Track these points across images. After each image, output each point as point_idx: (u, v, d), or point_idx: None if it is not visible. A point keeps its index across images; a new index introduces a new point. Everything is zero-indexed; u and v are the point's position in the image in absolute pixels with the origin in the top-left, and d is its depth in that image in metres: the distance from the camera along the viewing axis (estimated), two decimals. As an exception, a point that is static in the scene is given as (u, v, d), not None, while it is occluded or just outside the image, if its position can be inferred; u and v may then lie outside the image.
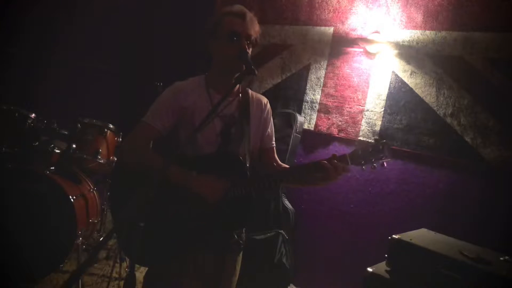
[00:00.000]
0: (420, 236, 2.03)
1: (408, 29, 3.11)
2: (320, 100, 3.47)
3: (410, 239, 1.87)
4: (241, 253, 1.68)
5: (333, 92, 3.41)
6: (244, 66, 1.48)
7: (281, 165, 1.71)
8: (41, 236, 2.59)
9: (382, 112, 3.16)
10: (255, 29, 1.59)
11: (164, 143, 1.63)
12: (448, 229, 2.29)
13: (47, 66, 4.03)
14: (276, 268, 2.89)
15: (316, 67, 3.53)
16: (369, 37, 3.23)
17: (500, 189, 2.63)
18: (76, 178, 3.02)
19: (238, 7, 1.60)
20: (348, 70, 3.36)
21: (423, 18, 3.05)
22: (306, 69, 3.57)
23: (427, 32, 3.03)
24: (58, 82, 3.99)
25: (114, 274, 2.83)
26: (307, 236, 3.29)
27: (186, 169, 1.50)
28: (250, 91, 1.73)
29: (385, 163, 1.48)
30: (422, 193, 2.92)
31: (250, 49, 1.58)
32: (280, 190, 3.18)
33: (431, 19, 3.02)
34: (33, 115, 2.92)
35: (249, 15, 1.58)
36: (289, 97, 3.64)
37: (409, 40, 3.09)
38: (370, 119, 3.21)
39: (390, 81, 3.15)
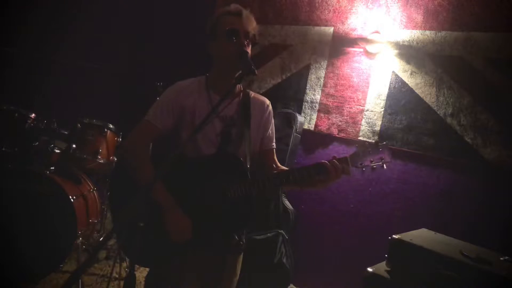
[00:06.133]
0: (420, 236, 2.03)
1: (408, 29, 3.11)
2: (320, 100, 3.47)
3: (410, 239, 1.87)
4: (242, 253, 1.68)
5: (333, 92, 3.41)
6: (244, 65, 1.47)
7: (280, 167, 1.71)
8: (41, 236, 2.59)
9: (382, 112, 3.16)
10: (252, 25, 1.59)
11: (164, 144, 1.63)
12: (448, 229, 2.29)
13: (47, 66, 4.02)
14: (276, 268, 2.89)
15: (316, 67, 3.53)
16: (369, 37, 3.23)
17: (500, 189, 2.63)
18: (76, 178, 3.01)
19: (233, 6, 1.61)
20: (348, 70, 3.36)
21: (423, 18, 3.05)
22: (306, 69, 3.57)
23: (427, 32, 3.03)
24: (58, 82, 3.99)
25: (114, 274, 2.83)
26: (307, 236, 3.29)
27: (184, 174, 1.51)
28: (251, 92, 1.73)
29: (385, 166, 1.48)
30: (422, 193, 2.92)
31: (250, 47, 1.58)
32: (280, 191, 3.18)
33: (431, 19, 3.02)
34: (33, 115, 2.91)
35: (245, 12, 1.59)
36: (289, 97, 3.64)
37: (409, 40, 3.10)
38: (370, 119, 3.21)
39: (390, 81, 3.15)
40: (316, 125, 3.47)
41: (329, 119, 3.41)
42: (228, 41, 1.54)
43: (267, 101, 1.75)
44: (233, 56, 1.52)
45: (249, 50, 1.56)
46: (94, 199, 3.06)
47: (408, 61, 3.09)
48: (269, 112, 1.73)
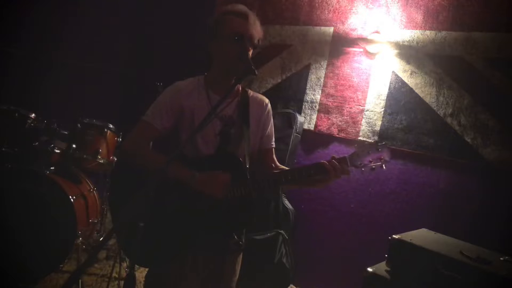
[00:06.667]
0: (420, 236, 2.03)
1: (408, 29, 3.11)
2: (320, 100, 3.47)
3: (410, 239, 1.87)
4: (241, 253, 1.68)
5: (333, 92, 3.41)
6: (244, 66, 1.47)
7: (279, 166, 1.71)
8: (41, 236, 2.58)
9: (382, 112, 3.16)
10: (257, 30, 1.56)
11: (164, 144, 1.63)
12: (448, 229, 2.29)
13: (47, 66, 4.03)
14: (276, 268, 2.89)
15: (316, 67, 3.53)
16: (369, 37, 3.23)
17: (500, 189, 2.63)
18: (76, 178, 3.02)
19: (241, 7, 1.57)
20: (348, 70, 3.36)
21: (423, 18, 3.05)
22: (306, 69, 3.57)
23: (427, 32, 3.03)
24: (58, 82, 3.99)
25: (114, 274, 2.83)
26: (307, 236, 3.29)
27: (188, 168, 1.50)
28: (250, 91, 1.72)
29: (384, 166, 1.48)
30: (422, 193, 2.92)
31: (251, 50, 1.57)
32: (280, 190, 3.18)
33: (431, 19, 3.02)
34: (33, 115, 2.92)
35: (252, 16, 1.56)
36: (289, 97, 3.64)
37: (409, 40, 3.09)
38: (370, 119, 3.21)
39: (390, 81, 3.15)
40: (316, 125, 3.47)
41: (329, 119, 3.41)
42: (231, 44, 1.52)
43: (266, 100, 1.74)
44: (234, 58, 1.51)
45: (250, 52, 1.55)
46: (94, 199, 3.06)
47: (408, 61, 3.09)
48: (268, 111, 1.73)
